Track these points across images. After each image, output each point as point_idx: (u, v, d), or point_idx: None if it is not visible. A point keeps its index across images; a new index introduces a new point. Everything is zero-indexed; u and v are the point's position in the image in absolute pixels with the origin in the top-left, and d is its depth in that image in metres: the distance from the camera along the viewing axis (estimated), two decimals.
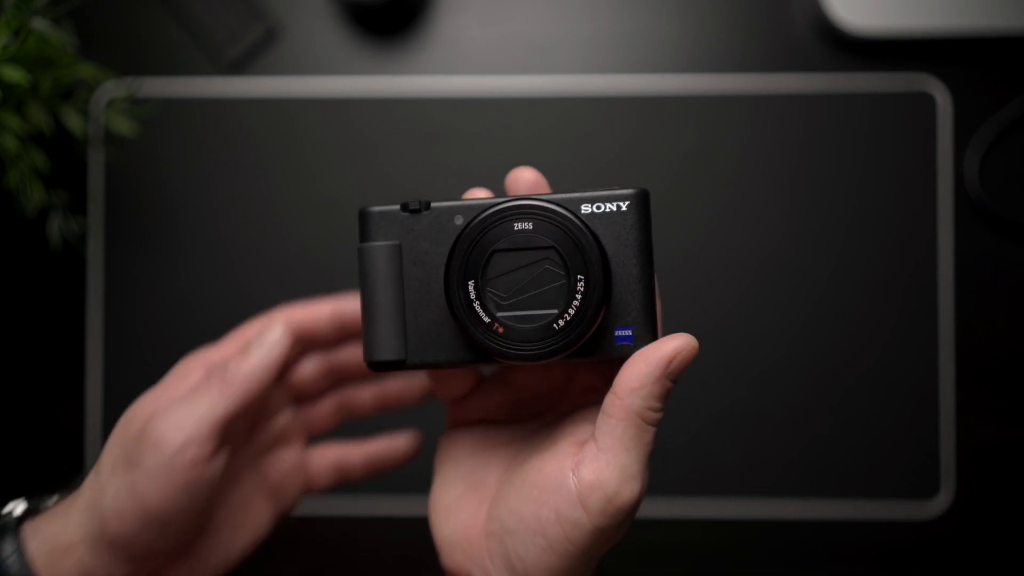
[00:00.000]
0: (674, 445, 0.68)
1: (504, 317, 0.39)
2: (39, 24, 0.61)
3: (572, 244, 0.39)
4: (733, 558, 0.69)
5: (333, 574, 0.70)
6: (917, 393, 0.69)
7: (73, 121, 0.64)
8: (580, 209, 0.40)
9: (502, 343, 0.39)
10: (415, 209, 0.41)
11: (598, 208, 0.40)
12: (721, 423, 0.69)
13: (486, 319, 0.39)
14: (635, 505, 0.38)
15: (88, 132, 0.67)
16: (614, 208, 0.40)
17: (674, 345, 0.38)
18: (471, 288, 0.39)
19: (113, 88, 0.68)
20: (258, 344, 0.45)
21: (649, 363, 0.39)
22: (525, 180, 0.45)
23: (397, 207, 0.41)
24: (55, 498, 0.46)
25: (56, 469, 0.69)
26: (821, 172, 0.69)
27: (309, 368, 0.50)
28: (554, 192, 0.41)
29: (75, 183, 0.69)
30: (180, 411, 0.42)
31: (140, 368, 0.69)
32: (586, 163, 0.70)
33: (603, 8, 0.71)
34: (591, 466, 0.38)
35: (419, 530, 0.69)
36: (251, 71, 0.70)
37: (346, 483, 0.52)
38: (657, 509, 0.68)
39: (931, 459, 0.68)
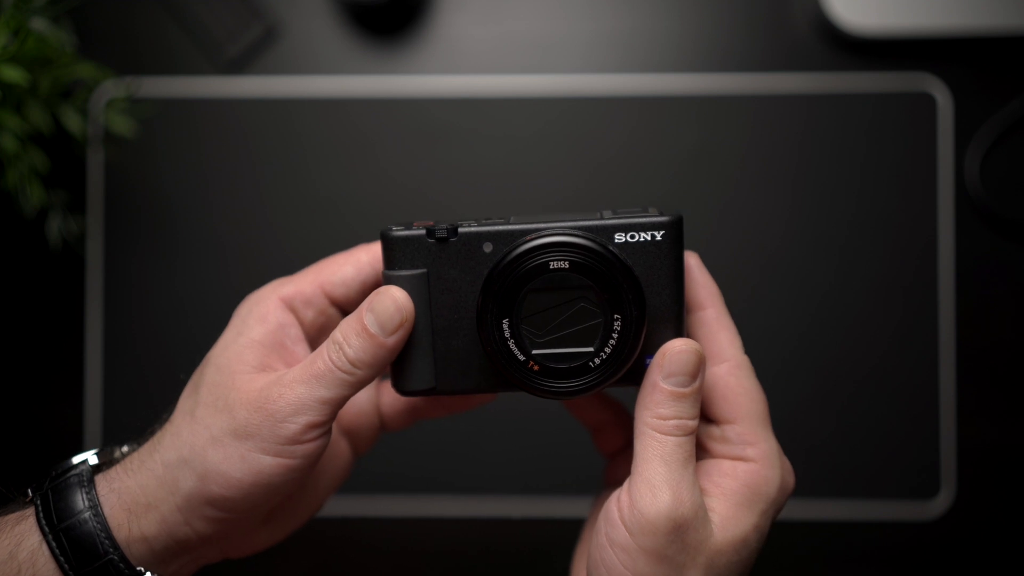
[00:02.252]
0: None
1: (539, 355, 0.39)
2: (38, 24, 0.61)
3: (609, 284, 0.39)
4: None
5: (333, 574, 0.70)
6: (918, 394, 0.69)
7: (72, 121, 0.64)
8: (613, 238, 0.40)
9: (537, 381, 0.40)
10: (442, 237, 0.40)
11: (632, 237, 0.40)
12: None
13: (521, 357, 0.39)
14: (668, 519, 0.38)
15: (87, 132, 0.67)
16: (648, 238, 0.40)
17: (661, 351, 0.39)
18: (505, 327, 0.39)
19: (112, 88, 0.68)
20: (381, 327, 0.39)
21: (647, 375, 0.40)
22: None
23: (422, 232, 0.40)
24: (125, 449, 0.44)
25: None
26: (821, 172, 0.69)
27: None
28: (582, 215, 0.40)
29: (74, 183, 0.69)
30: (300, 391, 0.39)
31: (139, 368, 0.69)
32: (586, 163, 0.69)
33: (603, 7, 0.71)
34: (627, 488, 0.39)
35: (419, 530, 0.69)
36: (250, 71, 0.70)
37: (420, 419, 0.50)
38: None
39: (932, 460, 0.68)
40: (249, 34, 0.70)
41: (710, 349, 0.43)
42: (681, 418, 0.39)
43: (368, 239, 0.68)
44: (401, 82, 0.70)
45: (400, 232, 0.40)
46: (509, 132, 0.70)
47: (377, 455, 0.68)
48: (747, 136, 0.69)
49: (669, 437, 0.39)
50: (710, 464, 0.42)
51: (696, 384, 0.40)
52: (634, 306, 0.39)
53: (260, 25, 0.70)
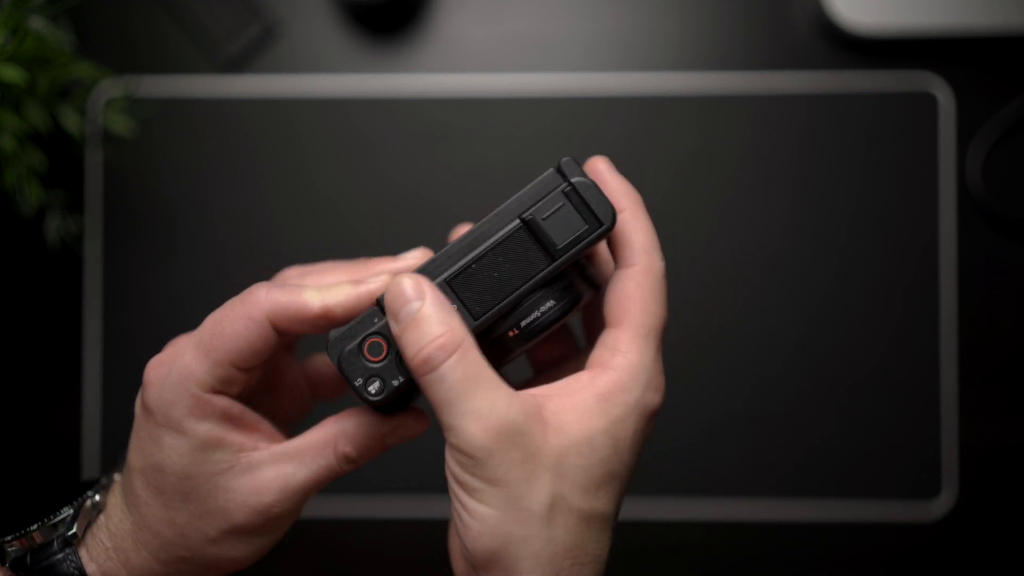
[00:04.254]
0: (677, 447, 0.68)
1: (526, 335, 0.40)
2: (36, 23, 0.61)
3: (560, 283, 0.39)
4: (734, 560, 0.69)
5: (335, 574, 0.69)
6: (920, 394, 0.68)
7: (71, 120, 0.63)
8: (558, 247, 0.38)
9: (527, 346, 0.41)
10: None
11: (554, 223, 0.38)
12: (724, 425, 0.68)
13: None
14: (483, 447, 0.35)
15: (86, 131, 0.67)
16: (559, 205, 0.38)
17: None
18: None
19: (110, 87, 0.67)
20: (399, 441, 0.42)
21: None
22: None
23: (400, 381, 0.38)
24: (97, 498, 0.42)
25: (53, 470, 0.69)
26: (822, 172, 0.69)
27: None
28: (506, 232, 0.39)
29: (73, 183, 0.69)
30: (305, 493, 0.40)
31: (138, 368, 0.69)
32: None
33: (603, 6, 0.70)
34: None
35: (419, 532, 0.69)
36: (250, 70, 0.70)
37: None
38: (659, 510, 0.68)
39: (933, 460, 0.68)
40: (248, 33, 0.70)
41: (621, 252, 0.40)
42: (432, 342, 0.35)
43: (368, 239, 0.69)
44: (401, 82, 0.70)
45: (379, 394, 0.38)
46: (509, 132, 0.69)
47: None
48: (747, 136, 0.69)
49: (434, 372, 0.35)
50: (570, 378, 0.39)
51: (426, 300, 0.36)
52: (584, 272, 0.41)
53: (259, 24, 0.70)
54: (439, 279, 0.38)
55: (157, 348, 0.69)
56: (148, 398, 0.40)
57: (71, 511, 0.41)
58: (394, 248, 0.68)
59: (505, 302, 0.38)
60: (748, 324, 0.69)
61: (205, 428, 0.39)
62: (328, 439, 0.40)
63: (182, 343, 0.41)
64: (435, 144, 0.69)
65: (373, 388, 0.38)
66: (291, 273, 0.45)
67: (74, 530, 0.40)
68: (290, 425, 0.47)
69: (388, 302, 0.37)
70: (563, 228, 0.38)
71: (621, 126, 0.69)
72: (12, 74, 0.55)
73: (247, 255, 0.70)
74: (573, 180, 0.38)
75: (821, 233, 0.69)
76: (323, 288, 0.40)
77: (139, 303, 0.69)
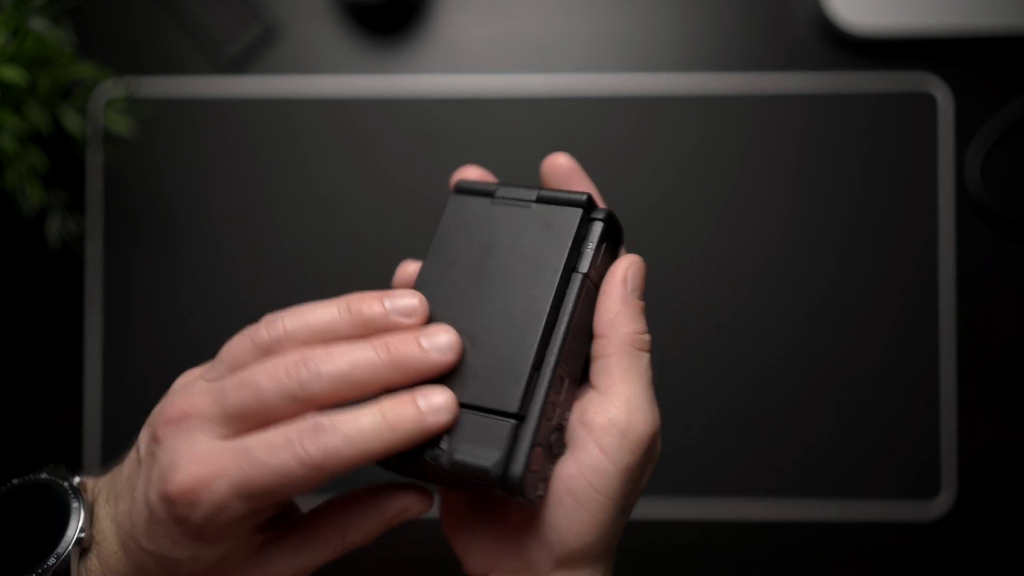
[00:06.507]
0: (676, 446, 0.68)
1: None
2: (37, 23, 0.61)
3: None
4: (734, 559, 0.69)
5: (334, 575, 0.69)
6: (919, 393, 0.68)
7: (71, 121, 0.63)
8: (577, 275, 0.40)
9: None
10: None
11: (601, 266, 0.40)
12: (723, 424, 0.68)
13: None
14: (651, 437, 0.38)
15: (87, 132, 0.67)
16: (603, 247, 0.40)
17: (622, 266, 0.40)
18: None
19: (111, 87, 0.67)
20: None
21: (611, 293, 0.40)
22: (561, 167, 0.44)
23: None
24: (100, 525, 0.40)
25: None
26: (822, 172, 0.69)
27: None
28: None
29: (73, 183, 0.69)
30: (279, 565, 0.39)
31: (138, 368, 0.69)
32: (586, 163, 0.69)
33: (603, 7, 0.71)
34: (597, 409, 0.38)
35: (419, 532, 0.69)
36: (250, 70, 0.70)
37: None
38: (659, 510, 0.68)
39: (932, 460, 0.68)
40: (248, 34, 0.70)
41: None
42: (647, 332, 0.40)
43: (368, 239, 0.69)
44: (401, 82, 0.70)
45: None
46: (509, 132, 0.69)
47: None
48: (747, 136, 0.69)
49: (644, 353, 0.39)
50: (607, 384, 0.41)
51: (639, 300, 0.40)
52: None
53: (259, 25, 0.70)
54: (548, 367, 0.37)
55: (157, 347, 0.69)
56: (180, 515, 0.36)
57: (56, 561, 0.39)
58: (394, 248, 0.68)
59: (584, 350, 0.40)
60: (748, 324, 0.69)
61: (233, 542, 0.38)
62: (337, 529, 0.40)
63: (219, 464, 0.35)
64: (435, 144, 0.69)
65: (540, 491, 0.38)
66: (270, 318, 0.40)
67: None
68: None
69: (633, 272, 0.40)
70: (603, 267, 0.40)
71: (621, 126, 0.69)
72: (13, 74, 0.55)
73: (247, 255, 0.70)
74: (602, 217, 0.40)
75: (821, 233, 0.69)
76: (382, 431, 0.36)
77: (139, 303, 0.69)
